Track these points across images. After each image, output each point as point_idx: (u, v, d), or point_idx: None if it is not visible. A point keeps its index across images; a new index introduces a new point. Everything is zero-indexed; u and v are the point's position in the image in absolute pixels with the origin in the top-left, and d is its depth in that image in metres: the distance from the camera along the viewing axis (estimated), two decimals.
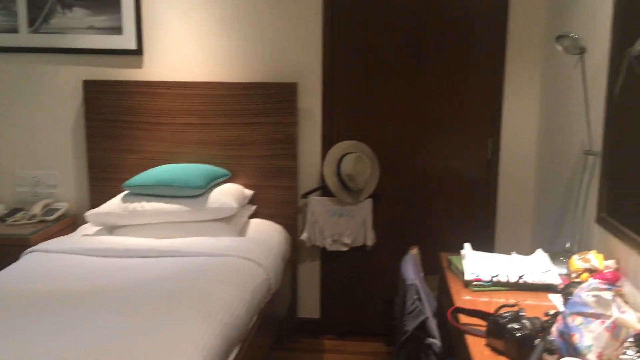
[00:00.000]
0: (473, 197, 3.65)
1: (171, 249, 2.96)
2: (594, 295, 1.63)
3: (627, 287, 2.11)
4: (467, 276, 2.29)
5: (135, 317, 2.14)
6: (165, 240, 3.11)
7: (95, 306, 2.24)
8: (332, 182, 3.52)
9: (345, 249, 3.63)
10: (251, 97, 3.54)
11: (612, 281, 2.07)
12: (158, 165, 3.51)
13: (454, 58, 3.54)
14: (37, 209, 3.56)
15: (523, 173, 3.59)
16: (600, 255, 2.24)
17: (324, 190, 3.64)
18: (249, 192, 3.55)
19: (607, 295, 1.63)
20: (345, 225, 3.61)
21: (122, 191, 3.37)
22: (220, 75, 3.63)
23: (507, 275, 2.26)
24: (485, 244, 3.59)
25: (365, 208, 3.61)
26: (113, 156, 3.65)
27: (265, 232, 3.37)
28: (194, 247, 2.99)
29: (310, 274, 3.82)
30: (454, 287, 2.32)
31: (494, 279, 2.25)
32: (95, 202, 3.57)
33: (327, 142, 3.63)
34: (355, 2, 3.55)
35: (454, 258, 2.51)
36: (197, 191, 3.21)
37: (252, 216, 3.56)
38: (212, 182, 3.33)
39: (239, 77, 3.63)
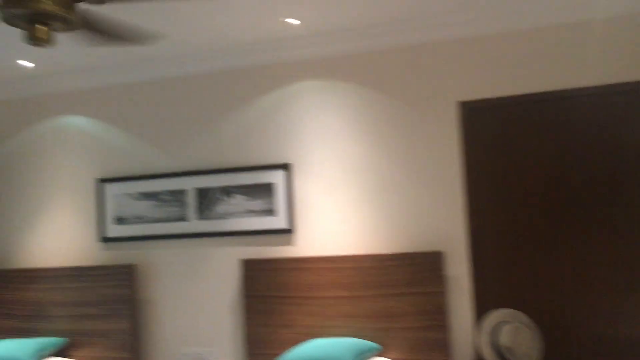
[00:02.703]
0: None
1: None
2: None
3: None
4: None
5: None
6: None
7: None
8: (487, 353, 3.28)
9: None
10: (397, 268, 3.55)
11: None
12: (309, 339, 3.54)
13: (620, 216, 3.30)
14: None
15: None
16: None
17: None
18: None
19: None
20: None
21: None
22: (365, 248, 3.72)
23: None
24: None
25: None
26: (267, 331, 3.77)
27: None
28: None
29: None
30: None
31: None
32: None
33: (478, 311, 3.46)
34: (495, 161, 3.53)
35: None
36: None
37: None
38: (361, 357, 3.27)
39: (383, 248, 3.69)
